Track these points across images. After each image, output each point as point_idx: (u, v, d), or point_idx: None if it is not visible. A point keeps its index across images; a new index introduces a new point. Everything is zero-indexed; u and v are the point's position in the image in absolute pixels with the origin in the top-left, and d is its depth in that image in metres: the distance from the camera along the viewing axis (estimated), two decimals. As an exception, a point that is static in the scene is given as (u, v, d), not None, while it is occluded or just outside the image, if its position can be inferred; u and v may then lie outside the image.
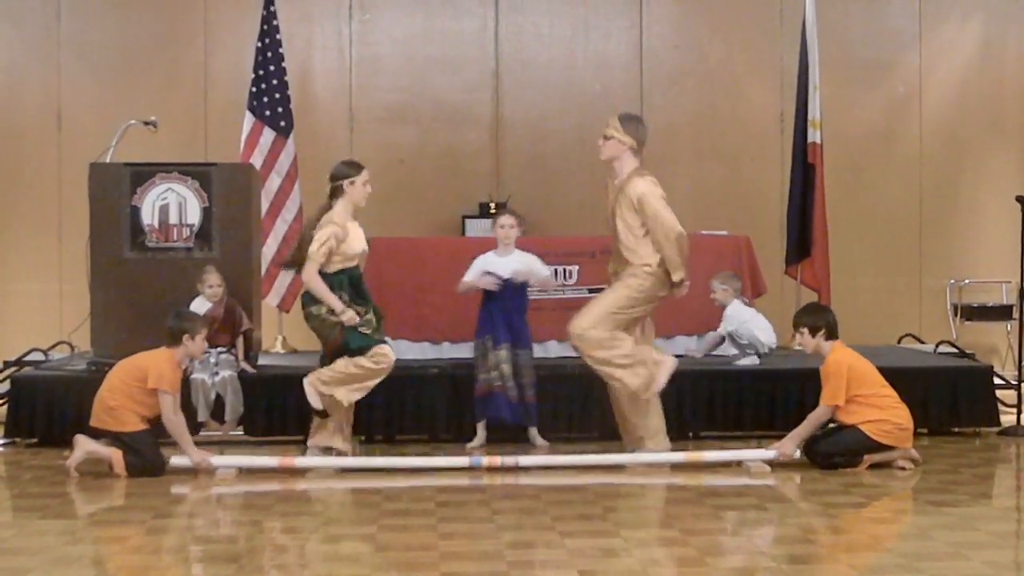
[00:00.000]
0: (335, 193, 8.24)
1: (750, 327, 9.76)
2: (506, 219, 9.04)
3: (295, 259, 8.34)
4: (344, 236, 8.12)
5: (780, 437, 8.33)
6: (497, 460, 8.21)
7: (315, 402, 8.22)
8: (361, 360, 8.19)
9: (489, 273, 8.93)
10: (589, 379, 9.06)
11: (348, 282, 8.16)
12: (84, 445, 8.05)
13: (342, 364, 8.19)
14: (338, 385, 8.19)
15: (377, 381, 8.31)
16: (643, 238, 8.18)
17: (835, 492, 7.52)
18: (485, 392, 8.90)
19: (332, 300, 8.08)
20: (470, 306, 10.25)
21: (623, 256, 8.27)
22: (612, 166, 8.39)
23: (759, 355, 9.74)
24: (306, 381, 8.25)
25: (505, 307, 8.94)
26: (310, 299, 8.19)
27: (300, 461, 8.24)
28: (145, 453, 8.00)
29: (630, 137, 8.30)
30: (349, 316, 8.07)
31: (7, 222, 12.60)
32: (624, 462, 8.35)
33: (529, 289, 9.13)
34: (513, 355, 8.86)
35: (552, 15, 12.99)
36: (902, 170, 13.08)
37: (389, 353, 8.28)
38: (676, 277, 8.18)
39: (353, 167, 8.34)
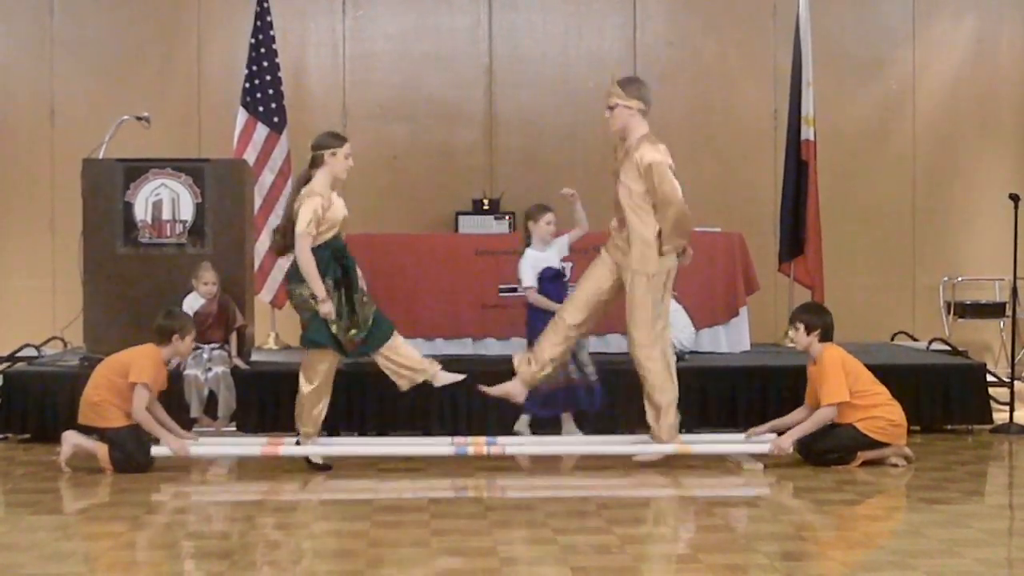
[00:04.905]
0: (316, 163, 8.05)
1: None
2: (552, 216, 8.93)
3: (285, 243, 8.12)
4: (328, 205, 7.96)
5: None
6: (483, 447, 8.22)
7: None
8: (302, 381, 8.10)
9: (556, 274, 8.89)
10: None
11: (332, 257, 7.94)
12: (71, 439, 8.06)
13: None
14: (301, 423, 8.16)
15: (317, 408, 8.11)
16: (643, 206, 8.00)
17: (828, 489, 7.52)
18: (565, 385, 8.84)
19: (318, 285, 7.86)
20: (463, 303, 10.28)
21: (622, 222, 8.11)
22: (622, 134, 8.16)
23: (678, 355, 9.53)
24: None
25: (557, 298, 8.88)
26: (295, 278, 8.00)
27: (284, 450, 8.21)
28: (129, 449, 7.99)
29: (635, 100, 8.08)
30: (327, 309, 7.88)
31: (0, 218, 12.59)
32: (612, 452, 8.35)
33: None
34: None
35: (545, 12, 12.98)
36: (895, 167, 13.09)
37: (326, 368, 8.07)
38: (665, 249, 7.99)
39: (336, 138, 8.16)
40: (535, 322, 8.86)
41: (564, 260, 9.13)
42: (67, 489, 7.65)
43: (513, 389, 8.31)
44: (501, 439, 8.41)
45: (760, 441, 8.28)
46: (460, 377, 8.26)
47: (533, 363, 8.26)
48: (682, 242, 8.08)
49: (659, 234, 8.01)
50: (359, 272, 8.21)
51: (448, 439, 8.48)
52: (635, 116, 8.11)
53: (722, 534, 6.58)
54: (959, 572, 5.66)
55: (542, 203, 9.04)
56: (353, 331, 8.00)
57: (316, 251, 7.91)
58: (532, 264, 8.88)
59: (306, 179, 8.07)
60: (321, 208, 7.90)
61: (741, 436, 8.51)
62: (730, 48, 13.07)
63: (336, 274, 7.98)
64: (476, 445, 8.25)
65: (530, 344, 8.70)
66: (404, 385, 8.24)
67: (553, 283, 8.89)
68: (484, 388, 8.34)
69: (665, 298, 8.13)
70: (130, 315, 9.17)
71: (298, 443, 8.18)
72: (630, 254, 8.07)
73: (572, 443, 8.68)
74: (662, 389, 8.15)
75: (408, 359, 8.20)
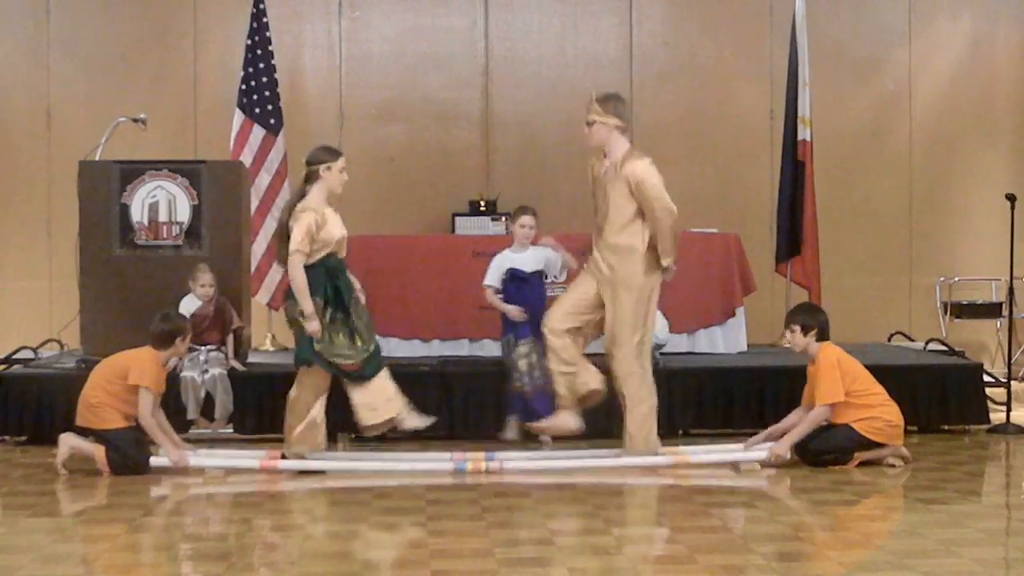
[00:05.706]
0: (310, 178, 8.00)
1: None
2: (527, 219, 9.08)
3: (281, 254, 8.09)
4: (323, 222, 7.91)
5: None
6: (481, 464, 8.17)
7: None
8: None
9: (518, 276, 8.99)
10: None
11: (326, 274, 7.91)
12: (68, 441, 8.06)
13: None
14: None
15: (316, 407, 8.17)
16: (632, 222, 7.99)
17: (825, 490, 7.52)
18: (514, 391, 8.95)
19: (306, 302, 7.83)
20: (460, 304, 10.27)
21: (608, 236, 8.09)
22: (602, 150, 8.17)
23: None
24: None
25: (527, 302, 8.91)
26: (292, 294, 7.97)
27: (284, 463, 8.19)
28: (127, 451, 7.98)
29: (612, 117, 8.07)
30: (313, 328, 7.83)
31: (-4, 220, 12.61)
32: (611, 464, 8.31)
33: (548, 281, 9.23)
34: (535, 348, 8.84)
35: (542, 12, 12.98)
36: (892, 167, 13.09)
37: (310, 382, 8.09)
38: (666, 262, 8.01)
39: (330, 153, 8.12)
40: (506, 322, 8.96)
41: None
42: (64, 491, 7.65)
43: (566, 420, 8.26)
44: (500, 455, 8.34)
45: (758, 448, 8.26)
46: (423, 422, 8.18)
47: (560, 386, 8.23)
48: (675, 253, 8.08)
49: (651, 247, 8.00)
50: (359, 297, 8.12)
51: (447, 455, 8.37)
52: (612, 133, 8.10)
53: (719, 535, 6.57)
54: (956, 572, 5.66)
55: (525, 204, 9.16)
56: (361, 344, 7.94)
57: (309, 269, 7.88)
58: (498, 264, 9.03)
59: (301, 195, 8.03)
60: (315, 225, 7.87)
61: (738, 438, 8.49)
62: (727, 48, 13.07)
63: (327, 293, 7.92)
64: (475, 461, 8.19)
65: (504, 338, 8.99)
66: (368, 419, 8.09)
67: (513, 283, 8.98)
68: (534, 425, 8.29)
69: (650, 314, 8.10)
70: (127, 317, 9.17)
71: (283, 456, 8.19)
72: (616, 269, 8.04)
73: (567, 458, 8.56)
74: (640, 400, 8.11)
75: (389, 389, 8.12)
